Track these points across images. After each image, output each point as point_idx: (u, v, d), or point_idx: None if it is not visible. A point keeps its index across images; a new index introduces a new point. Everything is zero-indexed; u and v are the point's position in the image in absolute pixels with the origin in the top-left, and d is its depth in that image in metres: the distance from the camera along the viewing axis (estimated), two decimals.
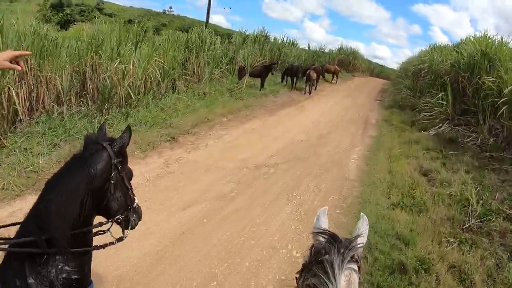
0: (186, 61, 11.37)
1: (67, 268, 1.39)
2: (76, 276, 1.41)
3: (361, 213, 1.46)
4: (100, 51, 7.43)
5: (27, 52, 2.01)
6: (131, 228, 1.72)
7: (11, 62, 1.58)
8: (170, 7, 58.23)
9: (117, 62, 7.52)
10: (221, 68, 13.19)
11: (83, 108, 6.88)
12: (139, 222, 1.79)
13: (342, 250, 1.14)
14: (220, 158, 5.94)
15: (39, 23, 7.02)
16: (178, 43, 11.68)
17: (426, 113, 10.47)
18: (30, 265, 1.31)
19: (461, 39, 13.54)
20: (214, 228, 3.85)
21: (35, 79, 6.24)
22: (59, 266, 1.37)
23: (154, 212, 3.87)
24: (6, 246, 1.34)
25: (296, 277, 1.26)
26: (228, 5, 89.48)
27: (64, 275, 1.37)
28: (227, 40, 16.83)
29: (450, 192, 5.42)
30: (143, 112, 7.67)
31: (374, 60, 42.23)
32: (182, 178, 4.95)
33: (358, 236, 1.28)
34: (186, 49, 11.57)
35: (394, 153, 7.39)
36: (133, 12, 70.34)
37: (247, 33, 19.27)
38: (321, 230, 1.26)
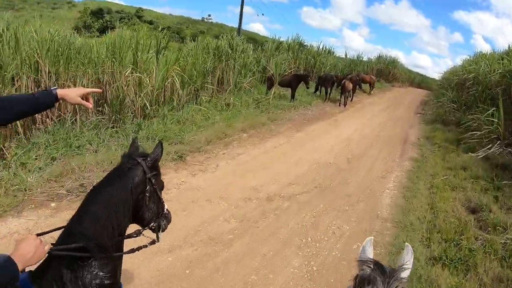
0: (215, 69, 10.84)
1: (101, 273, 1.46)
2: (108, 282, 1.48)
3: (406, 243, 1.44)
4: (115, 58, 7.05)
5: (98, 90, 2.10)
6: (162, 231, 1.82)
7: (82, 98, 1.69)
8: (209, 15, 59.30)
9: (128, 70, 7.03)
10: (251, 76, 12.54)
11: (93, 118, 6.41)
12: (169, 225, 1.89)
13: (387, 280, 1.12)
14: (228, 185, 5.13)
15: (57, 30, 6.68)
16: (205, 50, 11.21)
17: (474, 132, 9.22)
18: (67, 271, 1.38)
19: (509, 46, 12.19)
20: (195, 284, 3.05)
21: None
22: (94, 272, 1.44)
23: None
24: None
25: None
26: (266, 14, 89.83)
27: (97, 281, 1.44)
28: (260, 48, 16.15)
29: (505, 240, 4.34)
30: (157, 125, 7.08)
31: (415, 70, 40.83)
32: (176, 209, 4.20)
33: (402, 267, 1.24)
34: (214, 56, 11.03)
35: (437, 182, 6.29)
36: (172, 20, 71.90)
37: (280, 39, 18.61)
38: (366, 259, 1.24)
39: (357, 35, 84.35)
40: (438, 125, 12.03)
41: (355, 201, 5.24)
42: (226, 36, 12.92)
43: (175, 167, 5.59)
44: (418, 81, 35.99)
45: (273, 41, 18.06)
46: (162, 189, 1.79)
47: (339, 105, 13.75)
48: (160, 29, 12.03)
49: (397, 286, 1.13)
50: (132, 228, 1.72)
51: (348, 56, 25.01)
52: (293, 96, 12.51)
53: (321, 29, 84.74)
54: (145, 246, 1.77)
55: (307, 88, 13.69)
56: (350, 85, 13.72)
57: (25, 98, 1.57)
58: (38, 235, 1.39)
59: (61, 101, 1.65)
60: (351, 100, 15.47)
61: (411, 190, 5.95)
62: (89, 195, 1.51)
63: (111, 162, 5.02)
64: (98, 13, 55.86)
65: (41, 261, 1.37)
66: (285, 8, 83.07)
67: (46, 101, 1.58)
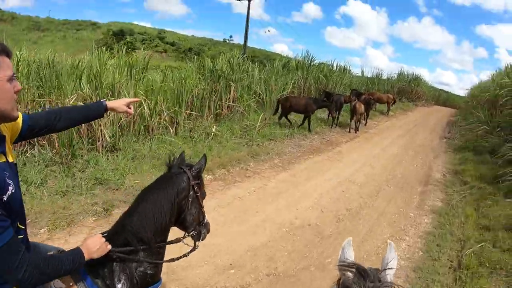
0: (211, 93, 9.43)
1: (146, 264, 1.68)
2: (151, 272, 1.70)
3: (388, 241, 1.36)
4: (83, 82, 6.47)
5: (138, 99, 2.59)
6: (202, 240, 1.99)
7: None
8: (231, 36, 60.02)
9: (73, 98, 5.96)
10: (254, 99, 11.02)
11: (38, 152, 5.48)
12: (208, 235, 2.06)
13: (372, 286, 1.06)
14: None
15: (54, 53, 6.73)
16: (200, 71, 10.04)
17: None
18: (117, 258, 1.61)
19: None
20: None
21: None
22: (140, 262, 1.67)
23: None
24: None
25: None
26: (292, 35, 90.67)
27: (141, 269, 1.66)
28: (266, 67, 14.54)
29: None
30: (104, 163, 5.63)
31: (439, 87, 39.11)
32: None
33: (386, 268, 1.19)
34: (212, 78, 9.80)
35: (467, 259, 4.19)
36: (194, 41, 72.19)
37: (288, 57, 16.97)
38: (348, 264, 1.17)
39: (381, 54, 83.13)
40: (468, 154, 9.80)
41: None
42: (225, 54, 11.30)
43: (93, 224, 3.99)
44: (443, 98, 33.89)
45: (280, 59, 16.49)
46: (204, 198, 1.96)
47: (349, 131, 11.71)
48: (141, 41, 10.91)
49: None
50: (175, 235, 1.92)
51: (365, 74, 22.89)
52: (309, 126, 10.61)
53: (346, 48, 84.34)
54: (185, 256, 1.97)
55: (333, 117, 11.92)
56: (362, 108, 11.67)
57: (80, 108, 1.86)
58: (102, 234, 1.63)
59: (109, 111, 1.91)
60: (366, 124, 13.42)
61: (427, 273, 3.88)
62: (140, 195, 1.77)
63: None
64: (119, 34, 56.75)
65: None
66: (309, 29, 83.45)
67: (97, 110, 1.83)
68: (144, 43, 58.37)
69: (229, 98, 9.93)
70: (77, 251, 1.44)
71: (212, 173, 6.21)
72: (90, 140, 6.17)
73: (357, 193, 6.23)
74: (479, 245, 4.49)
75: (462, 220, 5.42)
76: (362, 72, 22.89)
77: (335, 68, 19.45)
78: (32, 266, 1.24)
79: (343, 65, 20.73)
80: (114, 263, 1.60)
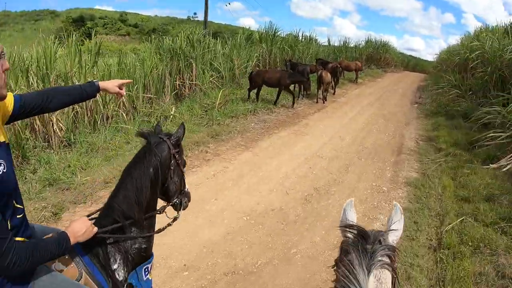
0: (173, 73, 8.95)
1: (139, 239, 1.70)
2: (144, 246, 1.73)
3: (395, 203, 1.31)
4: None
5: (130, 81, 2.38)
6: (183, 209, 1.97)
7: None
8: (195, 13, 58.87)
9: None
10: (213, 76, 10.33)
11: None
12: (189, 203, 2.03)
13: (370, 247, 1.03)
14: None
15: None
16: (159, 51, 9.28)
17: (490, 131, 6.68)
18: (111, 238, 1.62)
19: None
20: None
21: None
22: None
23: None
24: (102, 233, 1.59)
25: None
26: (257, 7, 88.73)
27: (136, 245, 1.69)
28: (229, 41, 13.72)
29: None
30: (55, 161, 5.05)
31: (408, 53, 39.39)
32: None
33: (390, 230, 1.17)
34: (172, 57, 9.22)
35: (447, 236, 3.75)
36: (157, 21, 69.54)
37: (251, 29, 16.13)
38: (348, 225, 1.16)
39: (349, 23, 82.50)
40: (441, 119, 9.48)
41: None
42: (185, 31, 10.52)
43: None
44: (413, 64, 33.60)
45: (243, 32, 15.66)
46: (185, 166, 1.92)
47: (317, 102, 11.14)
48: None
49: (383, 253, 1.02)
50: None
51: (331, 43, 22.25)
52: (276, 99, 10.02)
53: (312, 19, 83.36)
54: (169, 225, 1.92)
55: (307, 94, 11.42)
56: (328, 76, 11.09)
57: (72, 89, 1.79)
58: (88, 216, 1.68)
59: (101, 92, 1.85)
60: (334, 93, 12.89)
61: (403, 257, 3.41)
62: (124, 172, 1.72)
63: None
64: (79, 21, 54.44)
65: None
66: (275, 1, 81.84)
67: (90, 91, 1.78)
68: (106, 28, 56.22)
69: (190, 77, 9.37)
70: (63, 236, 1.39)
71: None
72: (47, 137, 5.63)
73: (325, 169, 5.71)
74: (459, 220, 4.07)
75: (439, 191, 5.00)
76: (329, 41, 22.24)
77: (300, 38, 18.78)
78: (19, 252, 1.21)
79: (308, 35, 20.11)
80: (109, 244, 1.61)
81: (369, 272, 0.97)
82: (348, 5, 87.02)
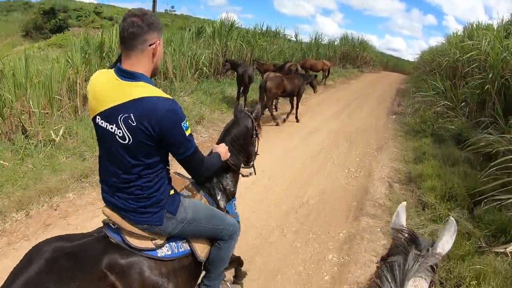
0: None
1: (230, 182, 2.16)
2: (233, 189, 2.19)
3: (450, 217, 1.22)
4: None
5: None
6: (254, 171, 2.44)
7: None
8: (172, 7, 56.96)
9: None
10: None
11: None
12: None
13: (421, 254, 1.03)
14: None
15: None
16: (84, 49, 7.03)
17: (503, 177, 4.02)
18: (216, 177, 2.10)
19: None
20: None
21: None
22: (227, 181, 2.14)
23: None
24: None
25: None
26: (240, 4, 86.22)
27: (228, 187, 2.15)
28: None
29: None
30: None
31: (389, 53, 38.05)
32: None
33: (441, 241, 1.11)
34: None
35: None
36: None
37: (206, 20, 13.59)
38: (401, 228, 1.16)
39: (331, 21, 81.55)
40: (426, 141, 6.82)
41: None
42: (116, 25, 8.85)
43: None
44: (393, 64, 31.98)
45: (195, 25, 13.26)
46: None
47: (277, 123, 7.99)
48: None
49: (428, 262, 1.01)
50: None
51: (299, 39, 19.27)
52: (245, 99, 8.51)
53: (295, 16, 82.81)
54: (251, 174, 2.40)
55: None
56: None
57: None
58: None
59: None
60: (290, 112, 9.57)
61: None
62: (223, 132, 2.19)
63: None
64: (49, 13, 50.53)
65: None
66: None
67: None
68: (79, 20, 53.52)
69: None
70: (218, 154, 1.91)
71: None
72: None
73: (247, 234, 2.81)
74: None
75: None
76: (296, 36, 19.23)
77: (259, 32, 16.04)
78: (206, 162, 1.73)
79: (274, 29, 17.31)
80: (215, 183, 2.10)
81: (409, 277, 0.97)
82: (331, 4, 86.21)
